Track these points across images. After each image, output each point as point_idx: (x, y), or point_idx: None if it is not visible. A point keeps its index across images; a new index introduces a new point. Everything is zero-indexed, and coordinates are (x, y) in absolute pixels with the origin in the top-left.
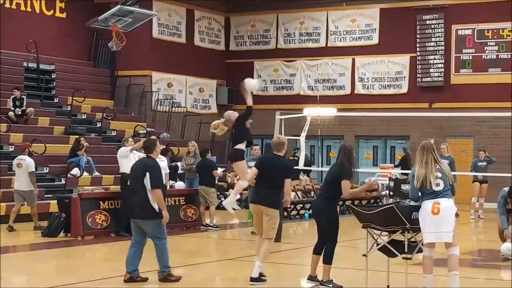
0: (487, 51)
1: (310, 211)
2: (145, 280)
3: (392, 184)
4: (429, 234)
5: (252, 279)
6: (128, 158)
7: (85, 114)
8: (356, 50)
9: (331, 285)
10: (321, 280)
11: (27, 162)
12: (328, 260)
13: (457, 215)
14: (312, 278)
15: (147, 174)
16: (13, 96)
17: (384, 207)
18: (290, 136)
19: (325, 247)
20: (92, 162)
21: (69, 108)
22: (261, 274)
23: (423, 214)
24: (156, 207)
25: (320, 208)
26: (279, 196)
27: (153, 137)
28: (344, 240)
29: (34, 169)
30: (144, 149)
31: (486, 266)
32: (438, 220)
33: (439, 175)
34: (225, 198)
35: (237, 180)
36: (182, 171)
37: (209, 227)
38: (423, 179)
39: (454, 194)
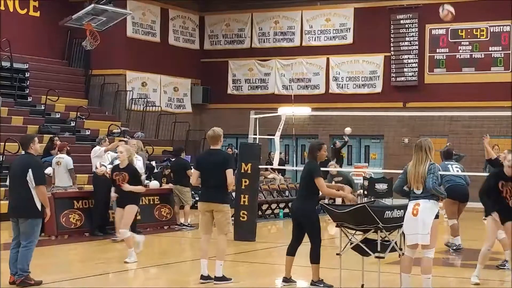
0: (460, 51)
1: (287, 211)
2: (39, 283)
3: (366, 183)
4: (408, 236)
5: (216, 278)
6: (102, 158)
7: (59, 113)
8: (330, 49)
9: (322, 285)
10: (312, 280)
11: (66, 160)
12: (315, 260)
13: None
14: (287, 279)
15: (30, 172)
16: None
17: (356, 206)
18: (264, 136)
19: (312, 246)
20: None
21: (43, 107)
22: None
23: (406, 215)
24: (39, 205)
25: (299, 208)
26: (227, 190)
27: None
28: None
29: (72, 166)
30: (21, 146)
31: (456, 265)
32: (415, 222)
33: (421, 179)
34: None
35: None
36: (157, 170)
37: (184, 227)
38: (409, 178)
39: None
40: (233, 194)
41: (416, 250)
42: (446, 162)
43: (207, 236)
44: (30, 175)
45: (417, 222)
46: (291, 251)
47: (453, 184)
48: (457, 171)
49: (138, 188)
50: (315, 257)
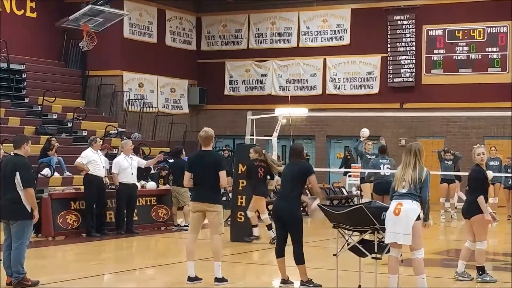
0: (457, 52)
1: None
2: (36, 284)
3: None
4: (388, 234)
5: (217, 279)
6: (92, 162)
7: (56, 114)
8: (327, 50)
9: (311, 285)
10: (301, 280)
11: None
12: (301, 260)
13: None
14: (285, 281)
15: (17, 174)
16: None
17: (354, 207)
18: (261, 136)
19: (294, 248)
20: (63, 162)
21: (39, 108)
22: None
23: (387, 214)
24: (28, 207)
25: (288, 209)
26: (220, 191)
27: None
28: (315, 240)
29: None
30: (13, 144)
31: (454, 266)
32: (397, 221)
33: (407, 178)
34: None
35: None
36: (154, 171)
37: (181, 227)
38: (395, 180)
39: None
40: (230, 195)
41: (400, 249)
42: (379, 159)
43: (194, 236)
44: (18, 177)
45: (399, 221)
46: (280, 252)
47: (380, 180)
48: (387, 167)
49: None
50: (300, 258)
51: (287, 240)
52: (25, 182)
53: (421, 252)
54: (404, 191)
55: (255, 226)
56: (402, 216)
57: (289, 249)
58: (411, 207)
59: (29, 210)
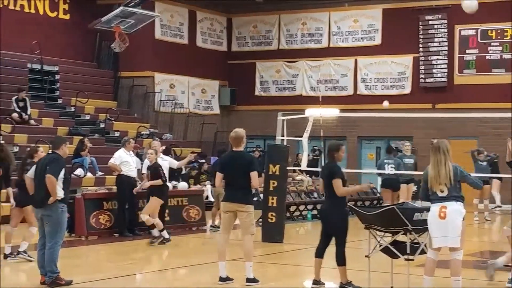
0: (490, 52)
1: (315, 213)
2: (69, 283)
3: None
4: (436, 239)
5: (248, 280)
6: (124, 162)
7: (89, 115)
8: (358, 50)
9: (351, 287)
10: (341, 282)
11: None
12: (342, 262)
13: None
14: (317, 282)
15: (47, 167)
16: (15, 97)
17: (385, 208)
18: (292, 137)
19: (336, 249)
20: (95, 163)
21: (72, 109)
22: (250, 279)
23: (430, 219)
24: (60, 193)
25: (326, 210)
26: (251, 192)
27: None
28: (347, 241)
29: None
30: (51, 145)
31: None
32: (444, 225)
33: (442, 180)
34: None
35: None
36: (185, 172)
37: (217, 228)
38: (430, 181)
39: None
40: (261, 195)
41: (439, 252)
42: (385, 159)
43: (226, 236)
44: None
45: (446, 225)
46: (320, 253)
47: (387, 176)
48: (391, 167)
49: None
50: (341, 259)
51: (329, 242)
52: (49, 170)
53: (460, 253)
54: (444, 194)
55: (153, 227)
56: (449, 219)
57: (327, 250)
58: (456, 208)
59: (61, 197)
